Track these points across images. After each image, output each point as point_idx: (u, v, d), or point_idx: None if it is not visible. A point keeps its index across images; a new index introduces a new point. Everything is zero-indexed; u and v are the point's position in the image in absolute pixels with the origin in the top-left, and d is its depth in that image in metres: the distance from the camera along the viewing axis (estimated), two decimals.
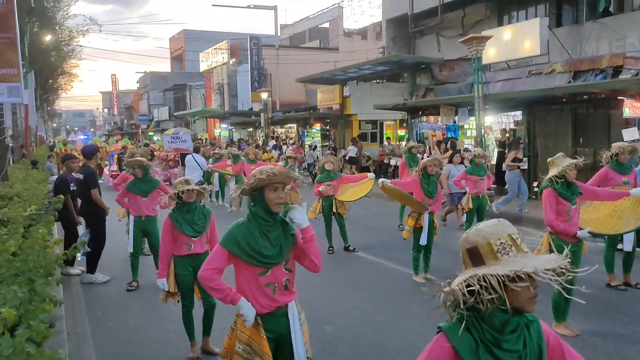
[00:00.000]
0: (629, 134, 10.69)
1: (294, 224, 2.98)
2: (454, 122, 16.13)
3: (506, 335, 1.70)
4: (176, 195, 4.60)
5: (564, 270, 1.61)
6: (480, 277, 1.63)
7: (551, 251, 5.11)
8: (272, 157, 19.04)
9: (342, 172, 12.60)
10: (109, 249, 7.65)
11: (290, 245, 3.02)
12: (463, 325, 1.68)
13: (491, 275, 1.62)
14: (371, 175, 8.78)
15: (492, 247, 1.71)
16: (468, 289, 1.64)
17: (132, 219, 6.88)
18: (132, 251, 6.88)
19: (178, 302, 4.81)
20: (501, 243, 1.71)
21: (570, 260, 1.66)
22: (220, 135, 36.24)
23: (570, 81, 13.86)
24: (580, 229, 5.08)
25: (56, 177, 9.12)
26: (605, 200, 5.43)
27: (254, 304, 2.91)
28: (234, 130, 35.85)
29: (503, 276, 1.61)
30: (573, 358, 1.87)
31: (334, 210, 8.52)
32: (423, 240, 6.79)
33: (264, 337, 2.90)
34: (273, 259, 2.94)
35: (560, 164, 5.05)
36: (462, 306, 1.66)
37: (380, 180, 7.14)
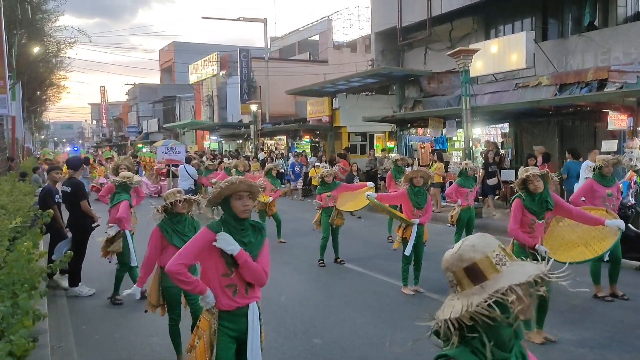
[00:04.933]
0: (608, 145, 10.87)
1: (227, 245, 3.07)
2: (442, 134, 16.24)
3: (509, 351, 1.67)
4: (170, 205, 4.57)
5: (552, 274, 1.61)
6: (505, 289, 1.56)
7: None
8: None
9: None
10: (95, 261, 7.56)
11: (259, 250, 3.19)
12: (460, 346, 1.62)
13: (516, 285, 1.56)
14: (370, 184, 8.77)
15: (490, 260, 1.67)
16: (495, 304, 1.56)
17: (128, 233, 6.79)
18: (121, 266, 6.77)
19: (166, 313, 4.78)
20: (497, 255, 1.69)
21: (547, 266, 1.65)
22: (209, 147, 36.15)
23: (556, 94, 14.03)
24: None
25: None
26: (580, 222, 5.35)
27: (215, 300, 3.15)
28: (223, 142, 35.79)
29: (525, 283, 1.57)
30: None
31: (332, 221, 8.51)
32: (407, 251, 6.80)
33: (208, 337, 3.11)
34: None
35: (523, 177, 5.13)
36: (475, 328, 1.59)
37: (366, 193, 7.16)
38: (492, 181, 13.05)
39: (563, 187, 11.43)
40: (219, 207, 3.24)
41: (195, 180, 14.03)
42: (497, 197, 13.62)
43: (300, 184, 18.60)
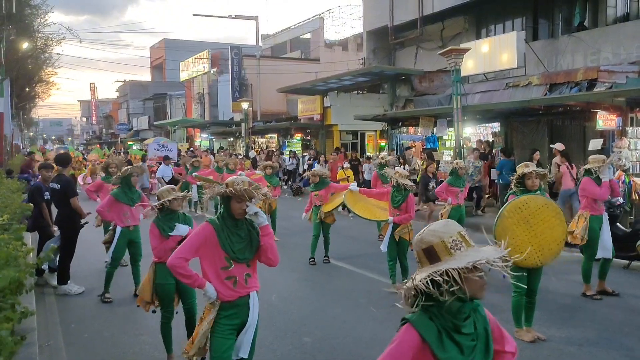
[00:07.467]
0: (595, 143, 10.95)
1: (257, 217, 3.29)
2: (433, 133, 16.27)
3: (462, 320, 1.89)
4: (161, 204, 4.65)
5: (507, 259, 1.83)
6: (442, 271, 1.80)
7: None
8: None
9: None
10: (84, 259, 7.51)
11: (257, 243, 3.35)
12: (419, 312, 1.88)
13: (452, 269, 1.79)
14: (353, 184, 8.78)
15: (446, 244, 1.88)
16: (432, 282, 1.80)
17: (119, 230, 6.66)
18: (110, 262, 6.70)
19: (154, 311, 4.75)
20: (453, 240, 1.89)
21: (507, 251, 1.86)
22: (200, 144, 36.02)
23: (546, 94, 14.10)
24: None
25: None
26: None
27: (217, 292, 3.28)
28: (214, 140, 35.66)
29: (463, 268, 1.80)
30: (508, 340, 2.14)
31: (320, 219, 8.51)
32: (382, 247, 6.99)
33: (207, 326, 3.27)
34: (241, 254, 3.29)
35: (522, 171, 5.16)
36: (423, 299, 1.83)
37: (350, 184, 7.29)
38: None
39: (496, 182, 13.07)
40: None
41: (166, 180, 14.51)
42: (488, 195, 13.64)
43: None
